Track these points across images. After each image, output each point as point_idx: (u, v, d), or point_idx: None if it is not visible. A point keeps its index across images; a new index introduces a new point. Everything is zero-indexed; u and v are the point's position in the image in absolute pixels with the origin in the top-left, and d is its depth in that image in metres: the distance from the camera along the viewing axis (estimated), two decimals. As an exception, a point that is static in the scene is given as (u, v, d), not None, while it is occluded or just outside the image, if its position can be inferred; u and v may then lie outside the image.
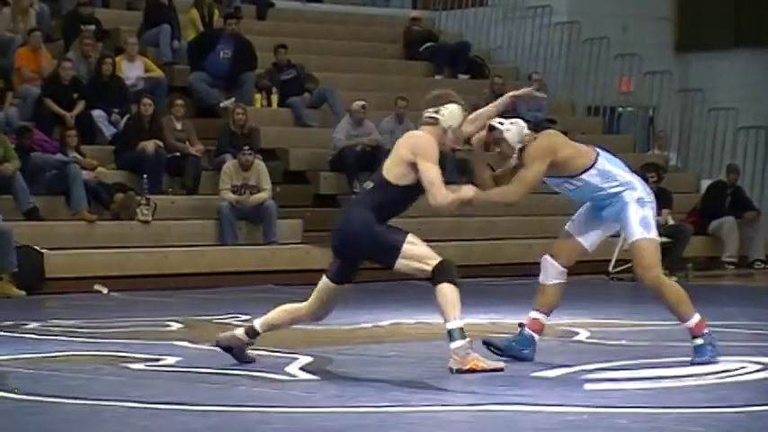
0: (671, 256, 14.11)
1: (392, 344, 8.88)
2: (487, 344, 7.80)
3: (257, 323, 7.61)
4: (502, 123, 7.69)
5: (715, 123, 19.77)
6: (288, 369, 7.39)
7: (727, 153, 19.48)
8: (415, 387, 6.74)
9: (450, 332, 7.16)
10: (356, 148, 16.52)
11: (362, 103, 16.70)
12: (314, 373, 7.27)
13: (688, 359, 7.55)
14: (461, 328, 7.16)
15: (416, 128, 7.58)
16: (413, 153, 7.25)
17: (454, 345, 7.14)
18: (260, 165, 15.66)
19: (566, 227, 7.87)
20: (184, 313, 11.04)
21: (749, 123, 19.55)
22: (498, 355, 7.66)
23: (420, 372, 7.32)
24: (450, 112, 7.47)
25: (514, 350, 7.73)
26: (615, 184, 7.60)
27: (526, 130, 7.67)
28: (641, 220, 7.55)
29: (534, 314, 7.80)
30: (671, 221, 16.18)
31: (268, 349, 8.35)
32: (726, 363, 7.39)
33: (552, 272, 7.75)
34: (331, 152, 16.75)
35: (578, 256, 7.82)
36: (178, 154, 15.76)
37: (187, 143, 15.95)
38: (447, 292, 7.15)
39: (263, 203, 15.36)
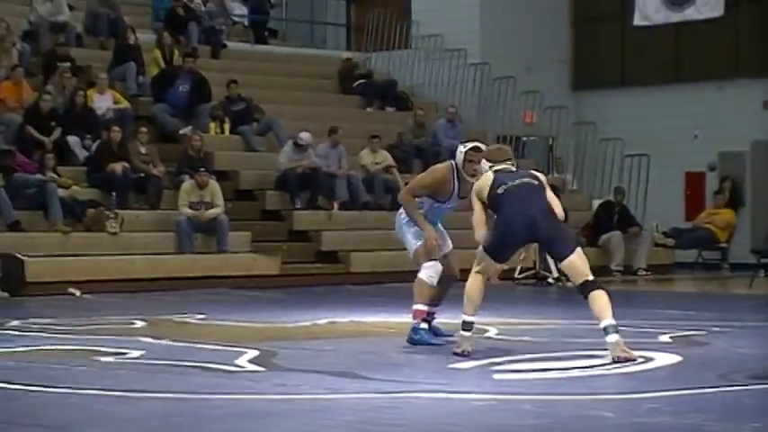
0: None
1: (328, 340, 8.85)
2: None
3: (466, 317, 7.64)
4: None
5: (605, 151, 19.94)
6: (237, 361, 7.34)
7: (615, 177, 19.64)
8: (348, 377, 6.72)
9: (605, 328, 7.25)
10: (297, 171, 16.50)
11: (310, 136, 16.66)
12: (260, 365, 7.23)
13: (582, 353, 7.61)
14: (614, 325, 7.28)
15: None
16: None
17: (611, 338, 7.21)
18: (214, 184, 15.59)
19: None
20: (147, 313, 10.93)
21: (634, 152, 19.73)
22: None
23: (352, 364, 7.30)
24: None
25: None
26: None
27: None
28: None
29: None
30: (567, 235, 16.27)
31: (220, 344, 8.31)
32: (614, 356, 7.44)
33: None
34: (275, 174, 16.70)
35: None
36: (143, 174, 15.65)
37: (150, 165, 15.84)
38: (599, 296, 7.35)
39: (216, 218, 15.29)
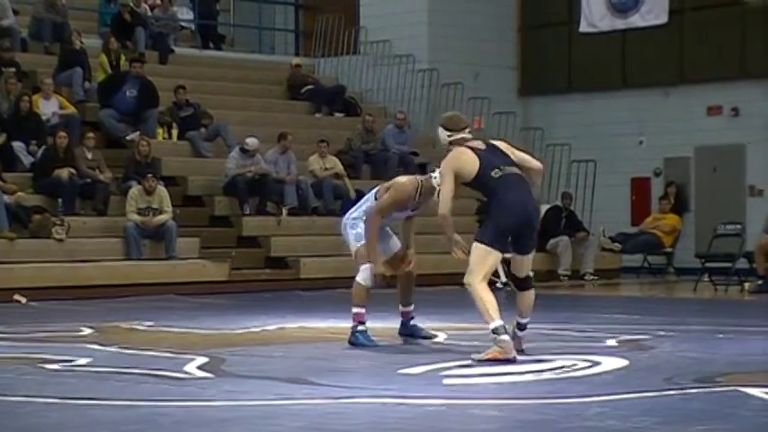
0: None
1: (278, 345, 8.84)
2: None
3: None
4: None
5: (552, 157, 20.09)
6: (186, 368, 7.31)
7: (562, 182, 19.79)
8: (298, 383, 6.71)
9: (524, 325, 7.93)
10: (246, 176, 16.46)
11: (257, 141, 16.66)
12: (209, 372, 7.20)
13: (530, 358, 7.66)
14: (527, 324, 7.95)
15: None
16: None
17: (521, 333, 7.88)
18: (162, 190, 15.52)
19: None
20: (95, 320, 10.86)
21: (581, 157, 19.89)
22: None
23: (302, 370, 7.29)
24: None
25: None
26: None
27: None
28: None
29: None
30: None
31: (168, 350, 8.27)
32: (561, 360, 7.50)
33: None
34: (224, 179, 16.66)
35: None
36: (89, 180, 15.56)
37: (97, 171, 15.75)
38: (531, 296, 7.89)
39: (164, 223, 15.22)
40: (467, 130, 7.86)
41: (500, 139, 8.23)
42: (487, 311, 7.42)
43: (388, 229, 8.69)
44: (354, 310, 8.50)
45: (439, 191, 7.83)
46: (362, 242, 8.43)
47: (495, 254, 7.53)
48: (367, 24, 21.37)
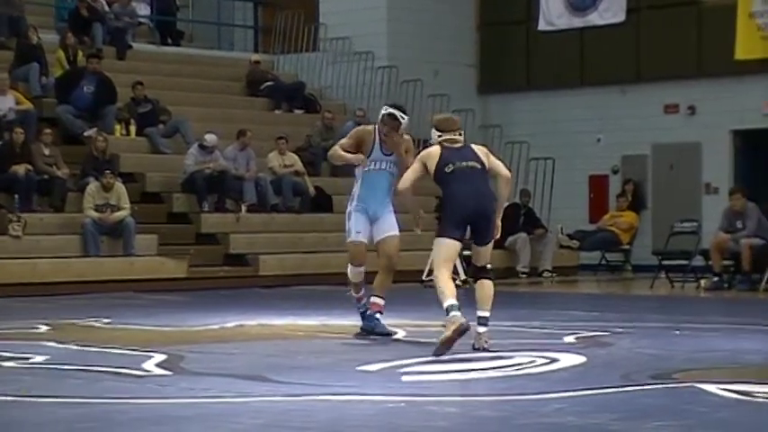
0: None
1: (237, 343, 8.82)
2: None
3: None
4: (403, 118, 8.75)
5: (510, 154, 20.15)
6: (144, 365, 7.28)
7: (520, 179, 19.86)
8: (257, 380, 6.70)
9: (481, 318, 7.90)
10: (205, 173, 16.40)
11: (216, 137, 16.60)
12: (167, 369, 7.18)
13: (489, 354, 7.69)
14: (488, 318, 7.94)
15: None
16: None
17: (481, 329, 7.85)
18: (120, 186, 15.44)
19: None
20: (52, 317, 10.78)
21: (539, 154, 19.97)
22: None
23: (261, 367, 7.28)
24: None
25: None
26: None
27: None
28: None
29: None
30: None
31: (126, 348, 8.23)
32: (520, 357, 7.53)
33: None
34: (182, 176, 16.59)
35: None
36: (47, 177, 15.44)
37: (54, 167, 15.63)
38: (488, 286, 7.94)
39: (122, 220, 15.15)
40: (457, 132, 8.10)
41: (483, 146, 8.39)
42: (443, 293, 7.66)
43: (391, 213, 8.89)
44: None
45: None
46: (350, 239, 8.79)
47: (450, 242, 7.80)
48: (326, 21, 21.35)
